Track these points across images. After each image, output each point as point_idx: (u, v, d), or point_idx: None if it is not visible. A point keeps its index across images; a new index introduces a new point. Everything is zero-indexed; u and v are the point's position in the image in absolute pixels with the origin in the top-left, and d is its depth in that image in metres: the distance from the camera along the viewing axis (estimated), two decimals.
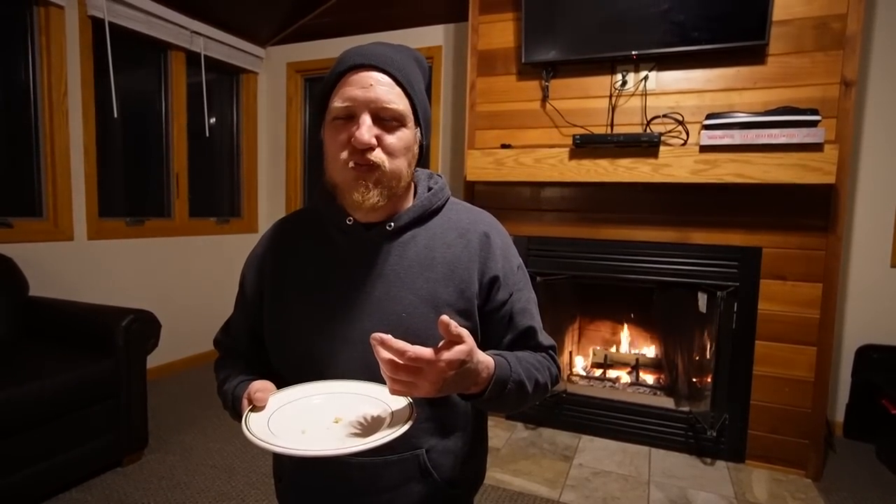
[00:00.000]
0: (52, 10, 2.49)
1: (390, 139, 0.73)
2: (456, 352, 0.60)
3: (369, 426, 0.66)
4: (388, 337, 0.58)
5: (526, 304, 0.84)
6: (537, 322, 0.85)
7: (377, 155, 0.72)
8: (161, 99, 3.19)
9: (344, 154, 0.73)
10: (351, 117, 0.72)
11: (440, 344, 0.60)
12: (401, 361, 0.58)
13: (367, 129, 0.70)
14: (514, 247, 0.87)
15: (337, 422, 0.68)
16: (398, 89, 0.73)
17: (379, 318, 0.76)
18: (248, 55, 3.62)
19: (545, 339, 0.85)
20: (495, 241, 0.83)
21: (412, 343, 0.73)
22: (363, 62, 0.72)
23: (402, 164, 0.75)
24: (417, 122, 0.77)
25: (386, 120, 0.73)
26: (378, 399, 0.71)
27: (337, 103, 0.73)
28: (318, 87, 0.78)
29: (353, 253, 0.79)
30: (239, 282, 0.90)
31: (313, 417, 0.69)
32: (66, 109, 2.56)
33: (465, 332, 0.60)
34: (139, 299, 2.94)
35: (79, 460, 1.89)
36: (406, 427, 0.62)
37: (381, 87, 0.72)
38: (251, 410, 0.69)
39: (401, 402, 0.69)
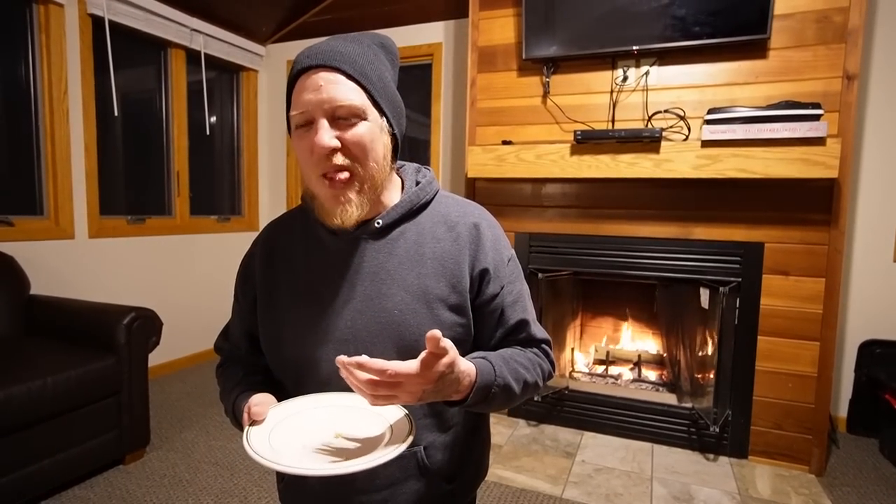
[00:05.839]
0: (52, 8, 2.48)
1: (351, 137, 0.70)
2: (437, 365, 0.60)
3: (370, 442, 0.67)
4: (365, 359, 0.58)
5: (518, 296, 0.82)
6: (530, 314, 0.84)
7: (341, 159, 0.70)
8: (161, 97, 3.18)
9: (313, 167, 0.71)
10: (309, 123, 0.70)
11: (422, 356, 0.60)
12: (379, 379, 0.59)
13: (325, 133, 0.68)
14: (506, 238, 0.85)
15: (338, 436, 0.68)
16: (351, 83, 0.70)
17: (371, 316, 0.75)
18: (248, 53, 3.61)
19: (538, 331, 0.84)
20: (485, 232, 0.81)
21: (409, 340, 0.74)
22: (310, 63, 0.70)
23: (373, 162, 0.72)
24: (382, 113, 0.73)
25: (343, 119, 0.70)
26: (377, 413, 0.72)
27: (293, 112, 0.71)
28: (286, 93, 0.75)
29: (341, 252, 0.78)
30: (234, 288, 0.89)
31: (314, 432, 0.69)
32: (66, 108, 2.56)
33: (449, 345, 0.61)
34: (140, 297, 2.95)
35: (81, 458, 1.89)
36: (406, 445, 0.63)
37: (331, 86, 0.69)
38: (251, 425, 0.69)
39: (400, 417, 0.70)
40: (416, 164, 0.87)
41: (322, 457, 0.64)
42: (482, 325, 0.81)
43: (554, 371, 0.85)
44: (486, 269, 0.78)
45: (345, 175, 0.71)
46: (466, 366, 0.67)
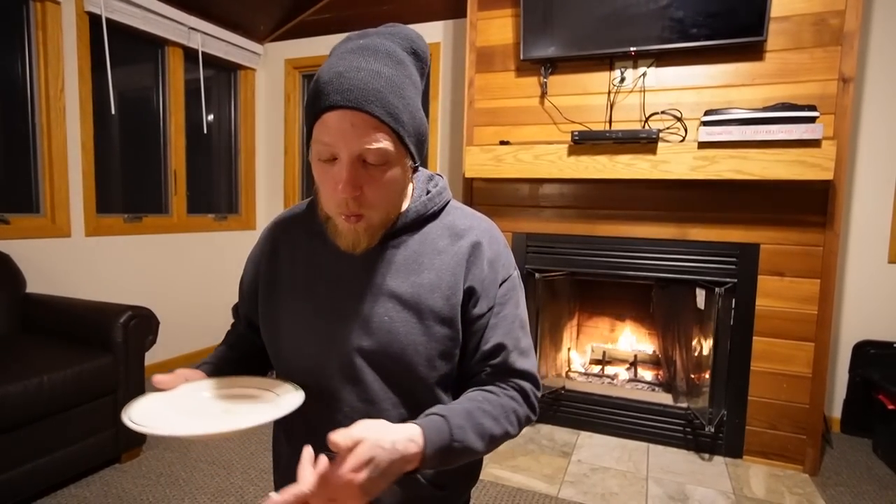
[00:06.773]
0: (49, 5, 2.47)
1: (374, 186, 0.69)
2: (354, 457, 0.58)
3: (248, 413, 0.68)
4: (283, 499, 0.56)
5: (503, 319, 0.78)
6: (512, 340, 0.78)
7: (359, 207, 0.70)
8: (159, 95, 3.17)
9: (334, 202, 0.71)
10: (334, 158, 0.69)
11: (335, 459, 0.59)
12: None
13: (348, 182, 0.67)
14: (509, 258, 0.82)
15: (226, 412, 0.71)
16: (382, 130, 0.67)
17: (363, 320, 0.75)
18: (246, 51, 3.60)
19: (520, 361, 0.78)
20: (485, 250, 0.79)
21: (396, 348, 0.74)
22: (339, 103, 0.65)
23: (390, 206, 0.74)
24: (409, 152, 0.72)
25: (371, 164, 0.69)
26: (273, 392, 0.74)
27: (318, 144, 0.69)
28: (305, 106, 0.72)
29: (342, 254, 0.78)
30: (240, 276, 0.94)
31: (204, 406, 0.72)
32: (63, 106, 2.55)
33: (357, 436, 0.59)
34: (137, 296, 2.94)
35: (77, 456, 1.89)
36: (273, 417, 0.64)
37: (360, 131, 0.66)
38: (156, 391, 0.72)
39: (291, 393, 0.72)
40: (428, 172, 0.85)
41: (189, 425, 0.65)
42: (466, 343, 0.79)
43: (534, 415, 0.79)
44: (473, 288, 0.77)
45: (359, 213, 0.72)
46: (402, 433, 0.63)
